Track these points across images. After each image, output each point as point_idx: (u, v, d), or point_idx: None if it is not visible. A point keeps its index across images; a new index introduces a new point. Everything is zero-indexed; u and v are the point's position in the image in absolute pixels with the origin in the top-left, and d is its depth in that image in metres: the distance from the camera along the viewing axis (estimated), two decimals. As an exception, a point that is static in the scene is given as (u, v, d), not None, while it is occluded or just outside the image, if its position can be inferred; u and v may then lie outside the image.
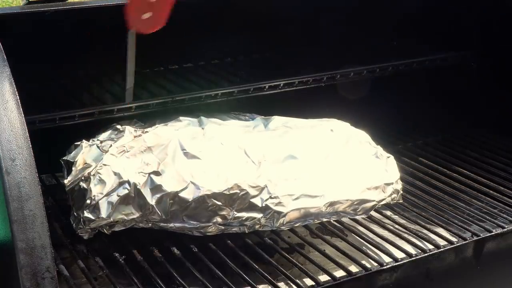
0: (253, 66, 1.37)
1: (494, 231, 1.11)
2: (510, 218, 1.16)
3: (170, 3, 0.88)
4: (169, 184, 1.00)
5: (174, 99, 1.20)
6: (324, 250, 1.08)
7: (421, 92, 1.56)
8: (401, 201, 1.15)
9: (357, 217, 1.12)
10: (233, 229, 1.02)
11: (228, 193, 1.00)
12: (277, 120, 1.17)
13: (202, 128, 1.11)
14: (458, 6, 1.50)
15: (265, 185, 1.02)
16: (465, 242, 1.07)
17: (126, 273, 0.97)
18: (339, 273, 0.99)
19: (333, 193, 1.05)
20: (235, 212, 1.01)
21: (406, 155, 1.40)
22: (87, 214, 0.98)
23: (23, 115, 0.81)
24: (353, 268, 1.00)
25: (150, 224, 1.01)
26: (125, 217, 0.99)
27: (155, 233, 1.04)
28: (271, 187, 1.02)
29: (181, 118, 1.14)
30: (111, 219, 0.99)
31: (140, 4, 0.89)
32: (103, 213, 0.98)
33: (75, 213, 1.01)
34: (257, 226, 1.02)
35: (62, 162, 1.10)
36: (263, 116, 1.19)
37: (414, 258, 1.03)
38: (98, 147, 1.07)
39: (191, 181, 1.00)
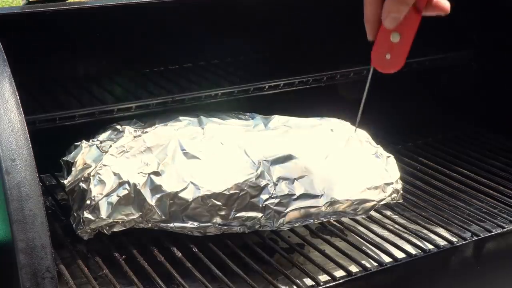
0: (253, 66, 1.37)
1: (494, 231, 1.11)
2: (510, 218, 1.16)
3: (408, 48, 0.92)
4: (169, 184, 1.00)
5: (174, 99, 1.20)
6: (324, 250, 1.08)
7: (421, 92, 1.56)
8: (401, 201, 1.15)
9: (357, 217, 1.12)
10: (233, 229, 1.02)
11: (228, 193, 1.00)
12: (277, 120, 1.17)
13: (202, 128, 1.11)
14: (457, 6, 1.49)
15: (265, 185, 1.02)
16: (465, 242, 1.07)
17: (126, 273, 0.97)
18: (339, 273, 0.99)
19: (333, 193, 1.05)
20: (235, 212, 1.01)
21: (406, 155, 1.40)
22: (87, 214, 0.98)
23: (23, 115, 0.81)
24: (353, 268, 1.00)
25: (150, 225, 1.01)
26: (125, 218, 0.99)
27: (155, 233, 1.04)
28: (271, 187, 1.02)
29: (180, 118, 1.14)
30: (111, 220, 0.99)
31: (384, 45, 0.92)
32: (103, 213, 0.98)
33: (75, 214, 1.01)
34: (257, 226, 1.02)
35: (62, 163, 1.10)
36: (263, 116, 1.19)
37: (414, 258, 1.03)
38: (97, 147, 1.07)
39: (191, 181, 1.00)
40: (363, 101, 1.02)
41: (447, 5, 0.91)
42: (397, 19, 0.88)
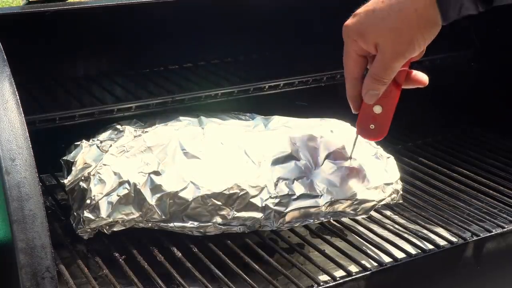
0: (253, 66, 1.37)
1: (494, 231, 1.11)
2: (510, 218, 1.16)
3: (390, 118, 1.01)
4: (169, 184, 1.00)
5: (174, 99, 1.20)
6: (324, 250, 1.08)
7: (421, 92, 1.55)
8: (401, 201, 1.15)
9: (357, 217, 1.12)
10: (233, 229, 1.02)
11: (228, 193, 1.00)
12: (277, 120, 1.17)
13: (202, 128, 1.11)
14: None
15: (265, 185, 1.02)
16: (465, 242, 1.07)
17: (126, 273, 0.97)
18: (339, 273, 0.99)
19: (333, 193, 1.05)
20: (235, 212, 1.01)
21: (406, 155, 1.40)
22: (87, 214, 0.98)
23: (23, 115, 0.81)
24: (353, 268, 1.00)
25: (150, 224, 1.01)
26: (125, 217, 0.99)
27: (155, 233, 1.04)
28: (271, 187, 1.02)
29: (181, 118, 1.14)
30: (111, 219, 0.99)
31: (367, 117, 1.00)
32: (103, 213, 0.98)
33: (75, 213, 1.01)
34: (257, 226, 1.02)
35: (62, 162, 1.10)
36: (263, 116, 1.19)
37: (414, 258, 1.03)
38: (98, 147, 1.07)
39: (191, 181, 1.00)
40: (351, 154, 1.08)
41: (425, 78, 0.98)
42: (376, 95, 0.94)
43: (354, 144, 1.06)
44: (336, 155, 1.10)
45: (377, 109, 0.98)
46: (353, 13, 0.91)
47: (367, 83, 0.93)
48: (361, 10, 0.90)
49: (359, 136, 1.05)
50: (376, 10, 0.87)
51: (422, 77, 0.99)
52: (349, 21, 0.91)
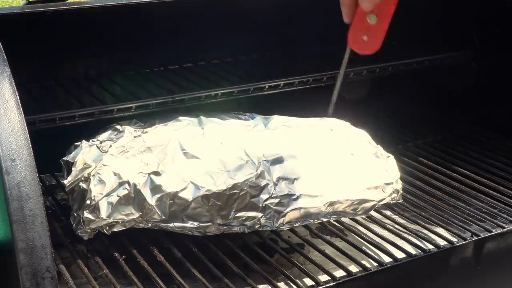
0: (253, 66, 1.37)
1: (494, 231, 1.11)
2: (510, 218, 1.16)
3: (385, 29, 0.93)
4: (169, 184, 1.00)
5: (174, 99, 1.20)
6: (324, 250, 1.08)
7: (421, 92, 1.56)
8: (401, 201, 1.15)
9: (357, 217, 1.12)
10: (233, 229, 1.02)
11: (228, 193, 1.00)
12: (277, 120, 1.17)
13: (202, 128, 1.11)
14: (458, 6, 1.50)
15: (265, 185, 1.02)
16: (465, 242, 1.07)
17: (126, 273, 0.97)
18: (339, 273, 0.99)
19: (333, 193, 1.05)
20: (235, 212, 1.01)
21: (406, 155, 1.40)
22: (87, 214, 0.98)
23: (23, 115, 0.81)
24: (353, 268, 1.00)
25: (150, 224, 1.01)
26: (125, 217, 0.99)
27: (155, 233, 1.04)
28: (271, 187, 1.02)
29: (180, 118, 1.14)
30: (111, 220, 0.99)
31: (361, 26, 0.93)
32: (103, 213, 0.98)
33: (75, 214, 1.01)
34: (257, 226, 1.02)
35: (62, 163, 1.10)
36: (263, 116, 1.19)
37: (414, 258, 1.03)
38: (97, 147, 1.07)
39: (190, 181, 1.00)
40: (338, 81, 1.01)
41: None
42: (374, 1, 0.88)
43: (344, 62, 1.00)
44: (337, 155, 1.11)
45: (372, 19, 0.92)
46: None
47: None
48: None
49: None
50: None
51: None
52: None
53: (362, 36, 0.94)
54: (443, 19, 1.51)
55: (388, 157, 1.16)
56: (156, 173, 1.01)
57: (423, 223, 1.14)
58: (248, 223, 1.01)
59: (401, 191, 1.14)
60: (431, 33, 1.51)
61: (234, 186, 1.01)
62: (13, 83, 0.83)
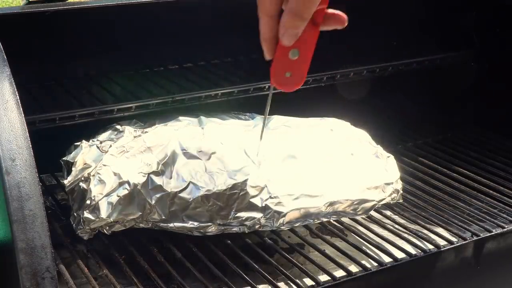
0: (253, 66, 1.37)
1: (494, 231, 1.11)
2: (510, 218, 1.16)
3: (308, 64, 0.91)
4: (169, 184, 1.00)
5: (174, 99, 1.20)
6: (324, 250, 1.08)
7: (421, 92, 1.56)
8: (401, 201, 1.15)
9: (357, 217, 1.12)
10: (233, 229, 1.02)
11: (228, 193, 1.00)
12: (277, 120, 1.17)
13: (202, 128, 1.11)
14: (458, 6, 1.50)
15: (265, 185, 1.02)
16: (465, 242, 1.07)
17: (126, 273, 0.97)
18: (339, 273, 0.99)
19: (333, 193, 1.05)
20: (235, 212, 1.01)
21: (406, 155, 1.40)
22: (87, 214, 0.98)
23: (23, 115, 0.81)
24: (353, 268, 1.00)
25: (150, 224, 1.01)
26: (125, 217, 0.99)
27: (155, 233, 1.04)
28: (271, 187, 1.02)
29: (180, 118, 1.14)
30: (111, 220, 0.99)
31: (283, 62, 0.90)
32: (103, 213, 0.98)
33: (75, 214, 1.01)
34: (257, 226, 1.02)
35: (62, 163, 1.10)
36: (263, 116, 1.19)
37: (414, 258, 1.03)
38: (97, 147, 1.07)
39: (190, 181, 1.00)
40: (265, 115, 0.99)
41: (343, 17, 0.88)
42: (295, 35, 0.85)
43: (269, 101, 0.98)
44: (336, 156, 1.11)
45: (294, 54, 0.89)
46: None
47: (285, 21, 0.84)
48: None
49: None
50: None
51: (340, 15, 0.88)
52: None
53: (284, 72, 0.92)
54: (443, 19, 1.51)
55: (388, 157, 1.16)
56: (156, 173, 1.01)
57: (423, 223, 1.14)
58: (248, 223, 1.01)
59: (401, 191, 1.14)
60: (431, 33, 1.50)
61: (234, 186, 1.01)
62: (13, 83, 0.83)
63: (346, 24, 0.88)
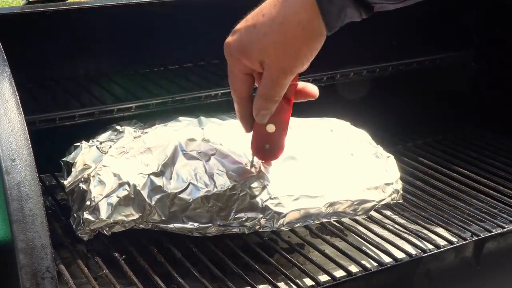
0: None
1: (494, 231, 1.11)
2: (510, 218, 1.16)
3: (284, 136, 0.96)
4: (168, 185, 1.00)
5: (174, 99, 1.20)
6: (324, 250, 1.08)
7: (421, 92, 1.56)
8: (401, 201, 1.15)
9: (357, 217, 1.12)
10: (233, 230, 1.02)
11: (228, 194, 1.00)
12: (277, 120, 1.17)
13: (202, 129, 1.11)
14: (458, 6, 1.50)
15: (265, 186, 1.02)
16: (465, 242, 1.07)
17: (126, 273, 0.97)
18: (339, 273, 0.99)
19: (333, 193, 1.05)
20: (235, 213, 1.01)
21: (406, 155, 1.40)
22: (87, 215, 0.98)
23: (23, 115, 0.81)
24: (353, 268, 1.00)
25: (150, 225, 1.01)
26: (125, 218, 0.99)
27: (155, 233, 1.04)
28: (271, 187, 1.02)
29: (180, 118, 1.14)
30: (111, 220, 0.99)
31: (261, 137, 0.95)
32: (103, 214, 0.98)
33: (75, 214, 1.01)
34: (257, 227, 1.02)
35: (62, 163, 1.10)
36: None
37: (414, 258, 1.03)
38: (97, 148, 1.07)
39: (190, 182, 1.00)
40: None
41: (315, 91, 0.93)
42: (267, 114, 0.90)
43: (251, 167, 1.02)
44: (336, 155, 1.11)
45: (270, 128, 0.94)
46: (233, 30, 0.86)
47: (257, 103, 0.88)
48: (240, 26, 0.84)
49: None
50: (257, 25, 0.81)
51: (312, 90, 0.93)
52: (230, 39, 0.85)
53: (264, 145, 0.97)
54: (443, 19, 1.51)
55: (388, 157, 1.16)
56: (156, 174, 1.01)
57: (423, 223, 1.14)
58: (248, 223, 1.01)
59: (401, 191, 1.14)
60: (431, 33, 1.50)
61: (234, 187, 1.01)
62: (13, 83, 0.83)
63: (317, 96, 0.94)
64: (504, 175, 1.32)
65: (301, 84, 0.93)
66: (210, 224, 1.00)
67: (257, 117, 0.91)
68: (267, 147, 0.97)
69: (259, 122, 0.92)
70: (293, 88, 0.91)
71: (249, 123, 0.93)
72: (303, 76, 1.30)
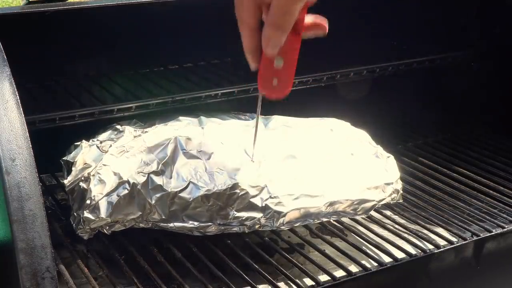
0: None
1: (494, 231, 1.11)
2: (510, 218, 1.16)
3: (293, 72, 0.92)
4: (169, 184, 1.00)
5: (174, 99, 1.20)
6: (324, 250, 1.08)
7: (421, 92, 1.56)
8: (401, 201, 1.15)
9: (357, 217, 1.12)
10: (233, 229, 1.02)
11: (228, 193, 1.00)
12: (277, 120, 1.17)
13: (202, 128, 1.11)
14: (458, 6, 1.50)
15: (265, 185, 1.02)
16: (465, 242, 1.07)
17: (126, 273, 0.97)
18: (339, 273, 0.99)
19: (333, 193, 1.05)
20: (235, 212, 1.01)
21: (406, 155, 1.40)
22: (87, 214, 0.98)
23: (23, 115, 0.81)
24: (353, 268, 1.00)
25: (150, 224, 1.01)
26: (125, 217, 0.99)
27: (155, 233, 1.04)
28: (271, 186, 1.02)
29: (180, 118, 1.14)
30: (111, 219, 0.99)
31: (269, 72, 0.92)
32: (103, 213, 0.98)
33: (75, 213, 1.01)
34: (257, 226, 1.02)
35: (62, 163, 1.10)
36: (263, 116, 1.19)
37: (414, 258, 1.03)
38: (98, 147, 1.07)
39: (190, 181, 1.00)
40: (256, 128, 1.02)
41: (324, 23, 0.90)
42: (277, 45, 0.86)
43: (259, 107, 1.00)
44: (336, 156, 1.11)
45: (279, 63, 0.91)
46: None
47: (267, 33, 0.85)
48: None
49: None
50: None
51: (320, 23, 0.89)
52: None
53: (272, 80, 0.94)
54: (443, 19, 1.51)
55: (388, 157, 1.16)
56: (156, 173, 1.01)
57: (423, 223, 1.14)
58: (248, 223, 1.01)
59: (401, 191, 1.14)
60: (431, 33, 1.50)
61: (234, 186, 1.01)
62: (13, 83, 0.83)
63: (327, 31, 0.89)
64: (504, 175, 1.32)
65: (310, 17, 0.90)
66: (210, 223, 1.00)
67: (266, 49, 0.87)
68: (275, 83, 0.93)
69: (268, 55, 0.88)
70: (302, 19, 0.88)
71: (257, 57, 0.90)
72: (303, 76, 1.31)
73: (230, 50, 1.39)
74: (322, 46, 1.41)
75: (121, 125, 1.12)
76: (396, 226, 1.15)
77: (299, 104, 1.30)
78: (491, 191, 1.26)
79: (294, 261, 1.02)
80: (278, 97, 0.96)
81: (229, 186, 1.01)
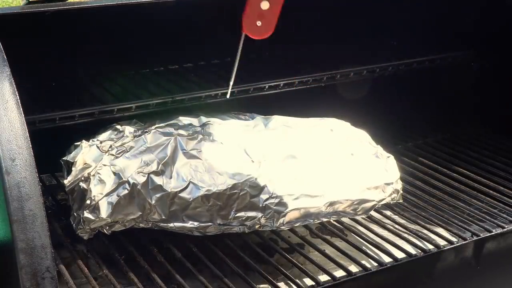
0: (253, 66, 1.37)
1: (494, 231, 1.11)
2: (510, 218, 1.16)
3: (277, 13, 1.00)
4: (169, 184, 1.00)
5: (174, 99, 1.20)
6: (324, 250, 1.08)
7: (421, 92, 1.56)
8: (401, 201, 1.15)
9: (357, 217, 1.12)
10: (233, 229, 1.02)
11: (228, 193, 1.00)
12: (277, 120, 1.17)
13: (202, 128, 1.11)
14: (458, 6, 1.50)
15: (265, 185, 1.02)
16: (465, 242, 1.08)
17: (126, 273, 0.97)
18: (339, 273, 0.99)
19: (333, 193, 1.05)
20: (235, 212, 1.01)
21: (406, 155, 1.40)
22: (87, 214, 0.98)
23: (23, 115, 0.81)
24: (353, 268, 1.00)
25: (150, 224, 1.01)
26: (125, 217, 0.99)
27: (155, 233, 1.04)
28: (271, 186, 1.02)
29: (180, 118, 1.14)
30: (111, 219, 0.99)
31: (254, 12, 0.99)
32: (103, 213, 0.98)
33: (75, 213, 1.01)
34: (257, 226, 1.02)
35: (62, 163, 1.10)
36: (263, 116, 1.19)
37: (414, 258, 1.03)
38: (98, 147, 1.07)
39: (190, 181, 1.00)
40: (235, 64, 1.07)
41: None
42: None
43: (240, 47, 1.06)
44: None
45: (264, 5, 0.98)
46: None
47: None
48: None
49: None
50: None
51: None
52: None
53: (256, 21, 1.00)
54: (443, 19, 1.51)
55: (388, 157, 1.16)
56: (156, 173, 1.01)
57: (423, 223, 1.14)
58: (248, 223, 1.01)
59: (401, 191, 1.14)
60: (431, 33, 1.50)
61: (234, 186, 1.01)
62: (13, 83, 0.83)
63: None
64: (504, 175, 1.32)
65: None
66: (210, 223, 1.00)
67: None
68: (259, 23, 1.01)
69: None
70: None
71: None
72: (303, 76, 1.31)
73: (230, 50, 1.39)
74: (322, 46, 1.42)
75: (121, 125, 1.12)
76: (396, 226, 1.15)
77: (299, 104, 1.31)
78: (491, 191, 1.26)
79: (294, 261, 1.02)
80: (260, 37, 1.03)
81: (229, 186, 1.01)
